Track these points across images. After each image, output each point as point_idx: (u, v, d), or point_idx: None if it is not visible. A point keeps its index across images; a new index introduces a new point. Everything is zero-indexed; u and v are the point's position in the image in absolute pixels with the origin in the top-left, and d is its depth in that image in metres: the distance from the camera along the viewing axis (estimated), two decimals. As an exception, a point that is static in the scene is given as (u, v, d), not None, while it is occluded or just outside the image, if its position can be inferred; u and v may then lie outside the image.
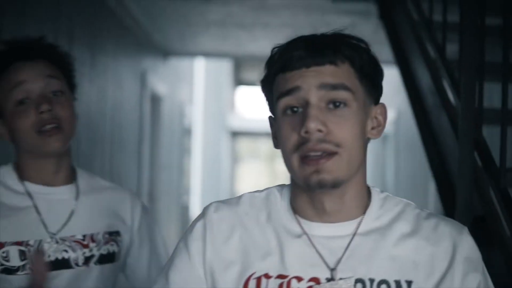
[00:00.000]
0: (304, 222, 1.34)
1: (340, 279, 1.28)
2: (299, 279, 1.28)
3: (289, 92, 1.30)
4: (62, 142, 1.88)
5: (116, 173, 5.42)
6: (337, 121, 1.28)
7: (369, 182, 1.39)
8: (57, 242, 1.88)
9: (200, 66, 12.58)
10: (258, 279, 1.29)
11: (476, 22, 2.44)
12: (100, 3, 5.02)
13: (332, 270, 1.30)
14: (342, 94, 1.29)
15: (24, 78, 1.87)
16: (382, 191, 1.40)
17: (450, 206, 2.58)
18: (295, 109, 1.30)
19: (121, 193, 2.04)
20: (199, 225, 1.38)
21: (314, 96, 1.29)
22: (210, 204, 1.41)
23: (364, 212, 1.35)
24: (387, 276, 1.29)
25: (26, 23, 3.49)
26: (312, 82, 1.29)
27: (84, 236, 1.91)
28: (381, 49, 4.35)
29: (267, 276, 1.29)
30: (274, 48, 1.35)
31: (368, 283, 1.28)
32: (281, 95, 1.31)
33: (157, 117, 7.66)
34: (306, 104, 1.29)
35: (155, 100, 7.50)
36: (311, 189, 1.30)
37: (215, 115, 14.89)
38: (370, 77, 1.34)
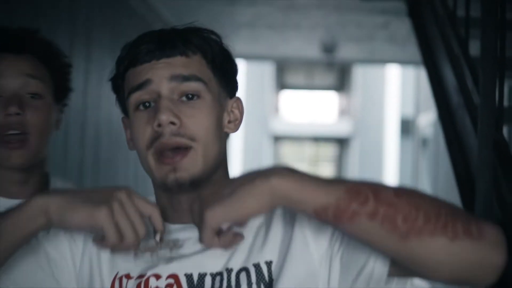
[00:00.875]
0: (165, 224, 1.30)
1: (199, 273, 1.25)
2: (157, 276, 1.26)
3: (140, 86, 1.27)
4: (26, 159, 1.69)
5: (142, 177, 5.35)
6: (191, 113, 1.26)
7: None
8: None
9: (240, 69, 12.54)
10: (120, 279, 1.27)
11: (496, 15, 2.31)
12: (123, 5, 4.96)
13: None
14: (194, 86, 1.27)
15: (0, 73, 1.68)
16: None
17: (471, 212, 2.45)
18: (147, 104, 1.27)
19: None
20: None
21: (166, 88, 1.26)
22: None
23: None
24: (245, 263, 1.25)
25: (39, 24, 3.42)
26: (163, 74, 1.26)
27: None
28: (416, 51, 4.21)
29: (128, 276, 1.27)
30: (124, 46, 1.32)
31: (225, 274, 1.24)
32: (132, 90, 1.28)
33: (190, 121, 7.60)
34: (158, 97, 1.26)
35: (188, 103, 7.43)
36: (168, 189, 1.27)
37: (257, 119, 14.85)
38: (223, 69, 1.33)
